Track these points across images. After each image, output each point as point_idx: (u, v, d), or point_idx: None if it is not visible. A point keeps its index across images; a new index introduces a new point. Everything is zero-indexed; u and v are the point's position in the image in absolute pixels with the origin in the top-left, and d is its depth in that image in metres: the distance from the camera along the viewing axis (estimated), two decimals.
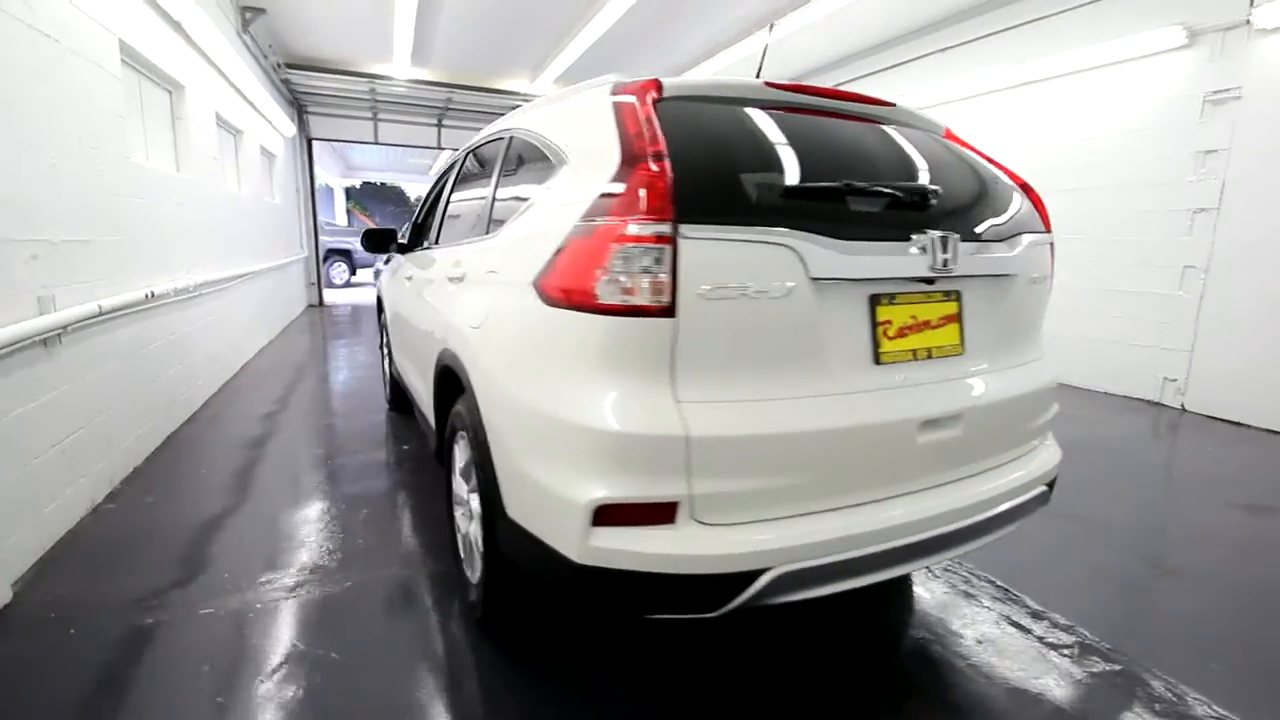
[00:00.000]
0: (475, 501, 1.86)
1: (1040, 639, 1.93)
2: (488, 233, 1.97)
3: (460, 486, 2.03)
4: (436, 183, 3.32)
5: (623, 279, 1.25)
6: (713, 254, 1.27)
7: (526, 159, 1.87)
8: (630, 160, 1.31)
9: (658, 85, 1.49)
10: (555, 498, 1.33)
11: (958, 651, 1.87)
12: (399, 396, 4.14)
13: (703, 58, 7.64)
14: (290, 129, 8.53)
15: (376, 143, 10.52)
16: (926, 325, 1.53)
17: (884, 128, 1.72)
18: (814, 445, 1.33)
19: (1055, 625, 2.00)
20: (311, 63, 7.82)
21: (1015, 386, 1.66)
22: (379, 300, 4.41)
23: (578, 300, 1.31)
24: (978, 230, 1.61)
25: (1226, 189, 4.35)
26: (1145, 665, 1.80)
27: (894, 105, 1.80)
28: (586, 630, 1.93)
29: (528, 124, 1.92)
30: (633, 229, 1.25)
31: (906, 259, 1.45)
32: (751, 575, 1.26)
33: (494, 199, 2.03)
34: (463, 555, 2.05)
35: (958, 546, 1.52)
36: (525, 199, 1.74)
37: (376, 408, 4.40)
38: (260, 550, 2.38)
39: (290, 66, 7.71)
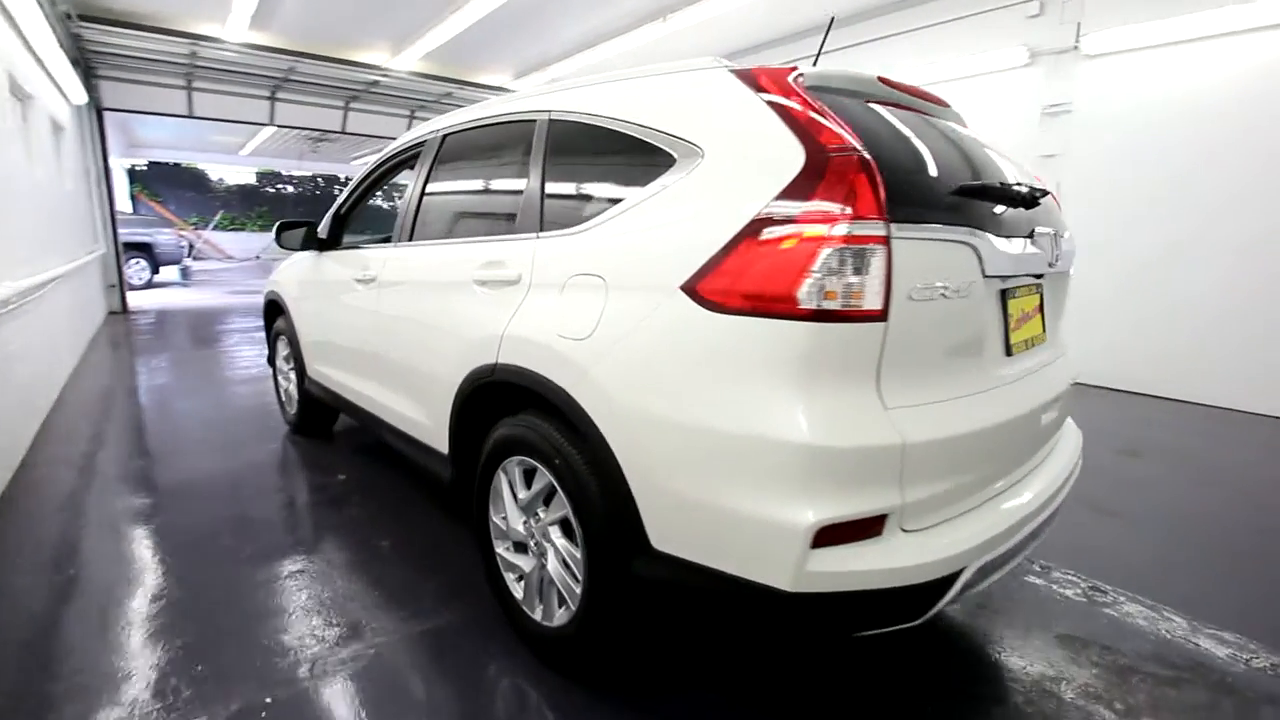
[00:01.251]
0: (558, 537, 1.64)
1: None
2: (542, 229, 1.72)
3: (513, 520, 1.78)
4: (378, 171, 2.87)
5: (834, 283, 1.15)
6: (916, 254, 1.22)
7: (600, 148, 1.66)
8: (823, 156, 1.20)
9: (798, 72, 1.39)
10: (753, 524, 1.20)
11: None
12: (314, 418, 3.55)
13: (584, 47, 7.46)
14: (81, 95, 6.90)
15: (191, 116, 8.91)
16: (1027, 317, 1.62)
17: (957, 126, 1.78)
18: (991, 438, 1.36)
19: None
20: (114, 15, 6.36)
21: (1071, 368, 1.84)
22: (271, 306, 3.74)
23: (772, 306, 1.19)
24: (1056, 226, 1.73)
25: (1061, 189, 5.18)
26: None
27: (949, 105, 1.87)
28: (670, 652, 1.80)
29: (590, 107, 1.70)
30: (846, 229, 1.15)
31: (1032, 254, 1.52)
32: (953, 576, 1.24)
33: (542, 191, 1.78)
34: (519, 596, 1.80)
35: (1053, 521, 1.64)
36: (618, 192, 1.54)
37: (269, 433, 3.73)
38: None
39: (84, 19, 6.20)
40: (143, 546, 2.38)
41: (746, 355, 1.22)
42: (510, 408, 1.81)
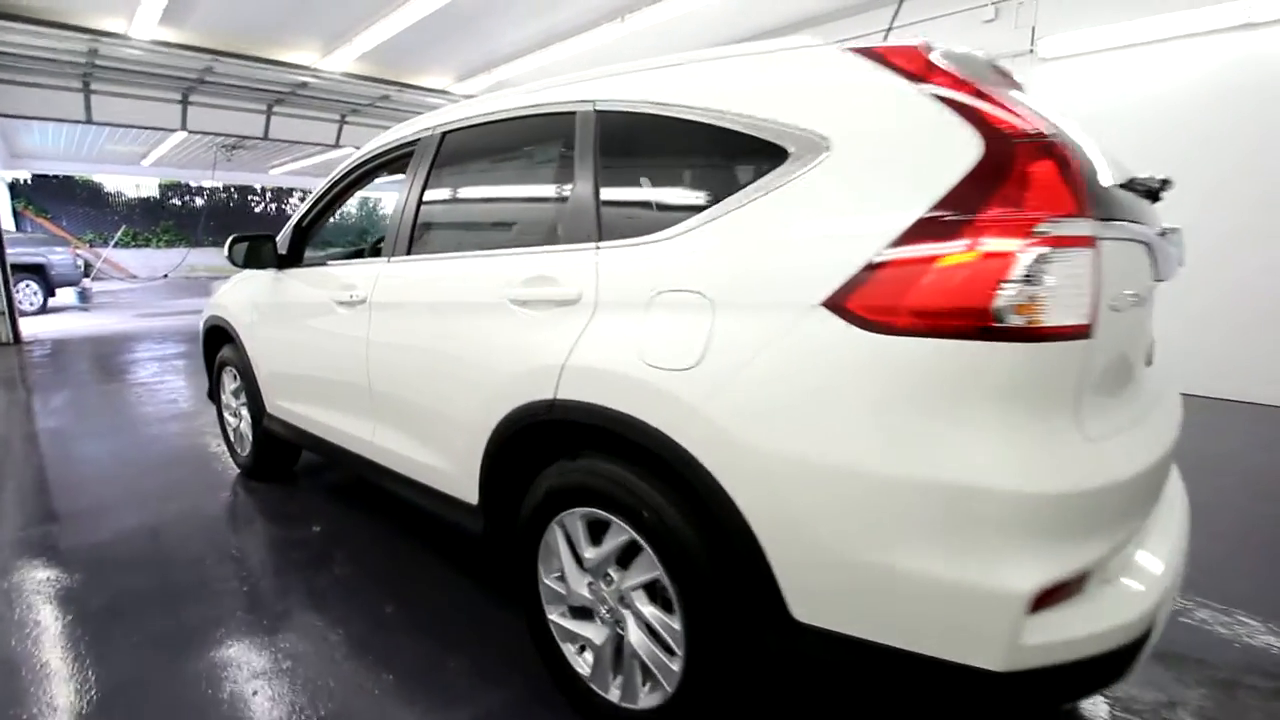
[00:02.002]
0: (643, 604, 1.37)
1: None
2: (601, 238, 1.45)
3: (574, 583, 1.50)
4: (350, 177, 2.50)
5: (1035, 294, 0.95)
6: (1113, 257, 1.04)
7: (678, 142, 1.40)
8: (1006, 145, 1.00)
9: (936, 49, 1.19)
10: (944, 590, 0.98)
11: None
12: (272, 459, 3.10)
13: (534, 49, 7.15)
14: None
15: (90, 122, 8.00)
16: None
17: None
18: (1164, 462, 1.20)
19: None
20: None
21: (1173, 373, 1.73)
22: (214, 333, 3.25)
23: (956, 324, 0.97)
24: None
25: None
26: None
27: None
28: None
29: (657, 96, 1.44)
30: (1048, 230, 0.95)
31: (1171, 252, 1.38)
32: (1149, 622, 1.07)
33: (597, 194, 1.51)
34: (584, 671, 1.51)
35: None
36: (709, 193, 1.30)
37: (216, 479, 3.24)
38: None
39: None
40: (52, 638, 1.93)
41: (925, 383, 1.00)
42: (563, 449, 1.53)
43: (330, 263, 2.50)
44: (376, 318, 2.05)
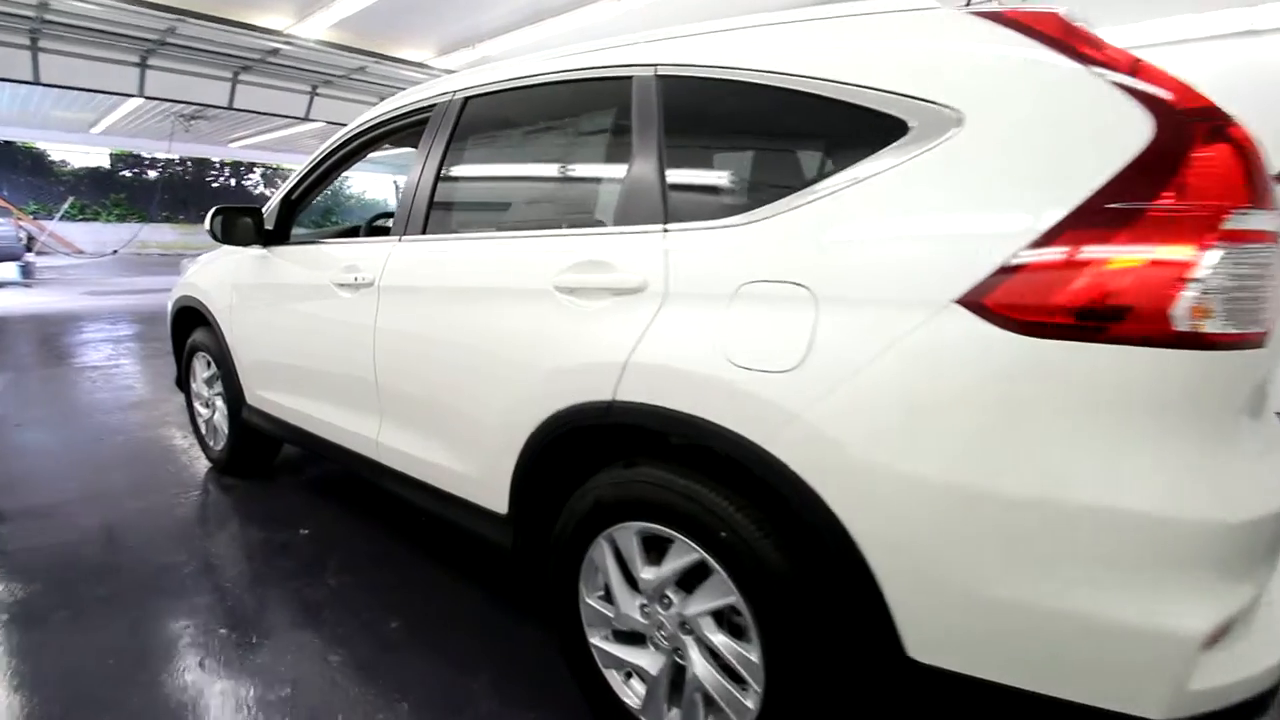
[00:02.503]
0: (712, 631, 1.22)
1: None
2: (668, 220, 1.29)
3: (623, 604, 1.34)
4: (348, 147, 2.26)
5: (1220, 296, 0.83)
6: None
7: (766, 113, 1.24)
8: (1183, 126, 0.87)
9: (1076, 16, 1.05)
10: (1100, 630, 0.86)
11: None
12: (251, 453, 2.85)
13: (521, 24, 6.87)
14: None
15: (37, 83, 7.41)
16: None
17: None
18: None
19: None
20: None
21: None
22: (184, 315, 2.97)
23: (1127, 329, 0.84)
24: None
25: None
26: None
27: None
28: None
29: (738, 60, 1.26)
30: (1235, 224, 0.83)
31: None
32: None
33: (662, 170, 1.33)
34: (634, 703, 1.36)
35: None
36: (807, 171, 1.15)
37: (186, 475, 2.98)
38: None
39: None
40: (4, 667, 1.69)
41: (1085, 395, 0.87)
42: (614, 456, 1.37)
43: (326, 241, 2.28)
44: (386, 303, 1.84)
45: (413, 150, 1.93)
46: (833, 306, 1.04)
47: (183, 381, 3.14)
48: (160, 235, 21.02)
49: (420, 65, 8.14)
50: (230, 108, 9.00)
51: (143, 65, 7.84)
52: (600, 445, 1.41)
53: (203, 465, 3.06)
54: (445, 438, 1.71)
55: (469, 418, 1.62)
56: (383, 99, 2.35)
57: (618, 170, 1.45)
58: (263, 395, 2.50)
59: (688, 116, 1.35)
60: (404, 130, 2.10)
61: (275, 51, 7.48)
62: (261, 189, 25.64)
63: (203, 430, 3.05)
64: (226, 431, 2.84)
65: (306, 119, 10.06)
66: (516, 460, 1.50)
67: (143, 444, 3.35)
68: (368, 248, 2.00)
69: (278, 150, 18.91)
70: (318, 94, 9.36)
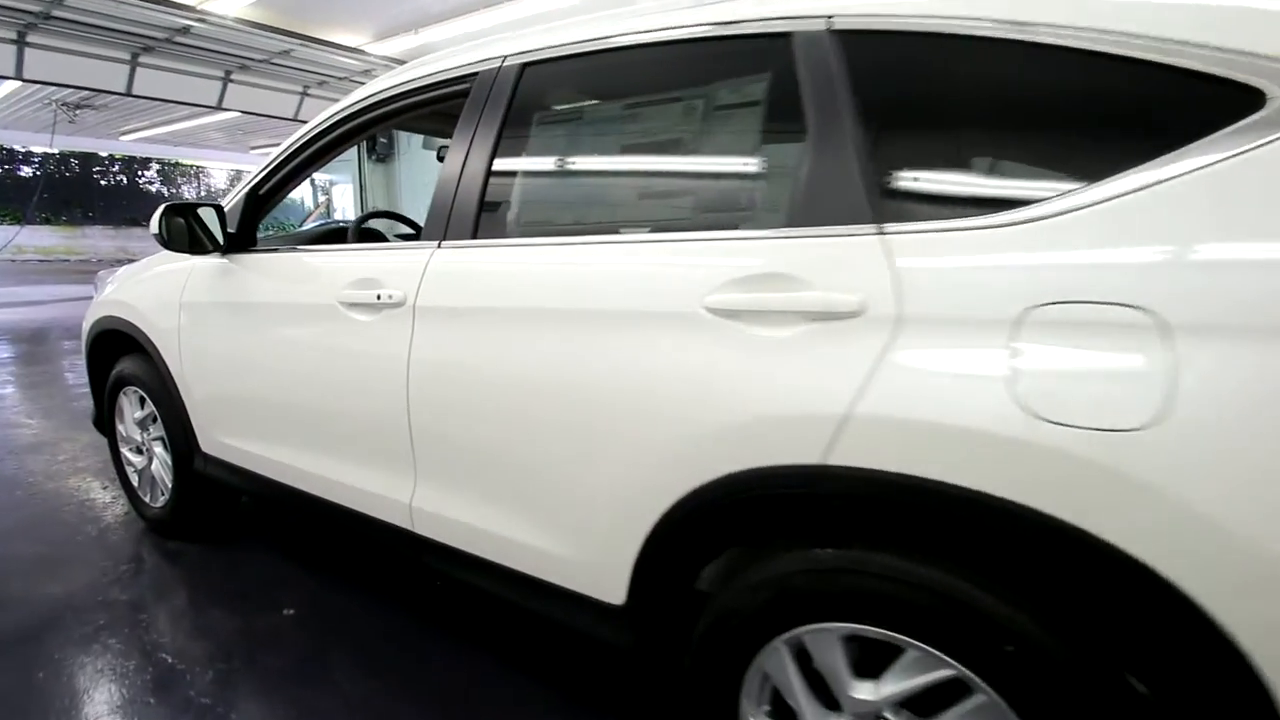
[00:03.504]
0: None
1: None
2: (883, 219, 0.95)
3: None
4: (340, 128, 1.79)
5: None
6: None
7: (1018, 78, 0.91)
8: None
9: None
10: None
11: None
12: (203, 511, 2.30)
13: (476, 8, 6.32)
14: None
15: None
16: None
17: None
18: None
19: None
20: None
21: None
22: (107, 339, 2.38)
23: None
24: None
25: None
26: None
27: None
28: None
29: (968, 8, 0.95)
30: None
31: None
32: None
33: (861, 153, 0.99)
34: None
35: None
36: (1111, 155, 0.83)
37: (108, 541, 2.39)
38: None
39: None
40: None
41: None
42: (796, 534, 1.03)
43: (315, 248, 1.80)
44: (425, 329, 1.40)
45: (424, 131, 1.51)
46: (1193, 338, 0.73)
47: (104, 422, 2.52)
48: (39, 239, 18.74)
49: (356, 51, 7.40)
50: (128, 94, 7.90)
51: (20, 42, 6.70)
52: (779, 520, 1.06)
53: (136, 526, 2.46)
54: (523, 505, 1.30)
55: (566, 481, 1.22)
56: (307, 88, 1.88)
57: (783, 154, 1.10)
58: (227, 442, 1.97)
59: (890, 82, 1.01)
60: (421, 108, 1.67)
61: (185, 30, 6.56)
62: (159, 187, 23.30)
63: (134, 482, 2.45)
64: (170, 484, 2.27)
65: (219, 108, 9.01)
66: (646, 537, 1.12)
67: (50, 500, 2.69)
68: (388, 257, 1.56)
69: (178, 144, 17.16)
70: (233, 80, 8.37)
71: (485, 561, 1.38)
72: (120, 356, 2.36)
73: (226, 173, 26.97)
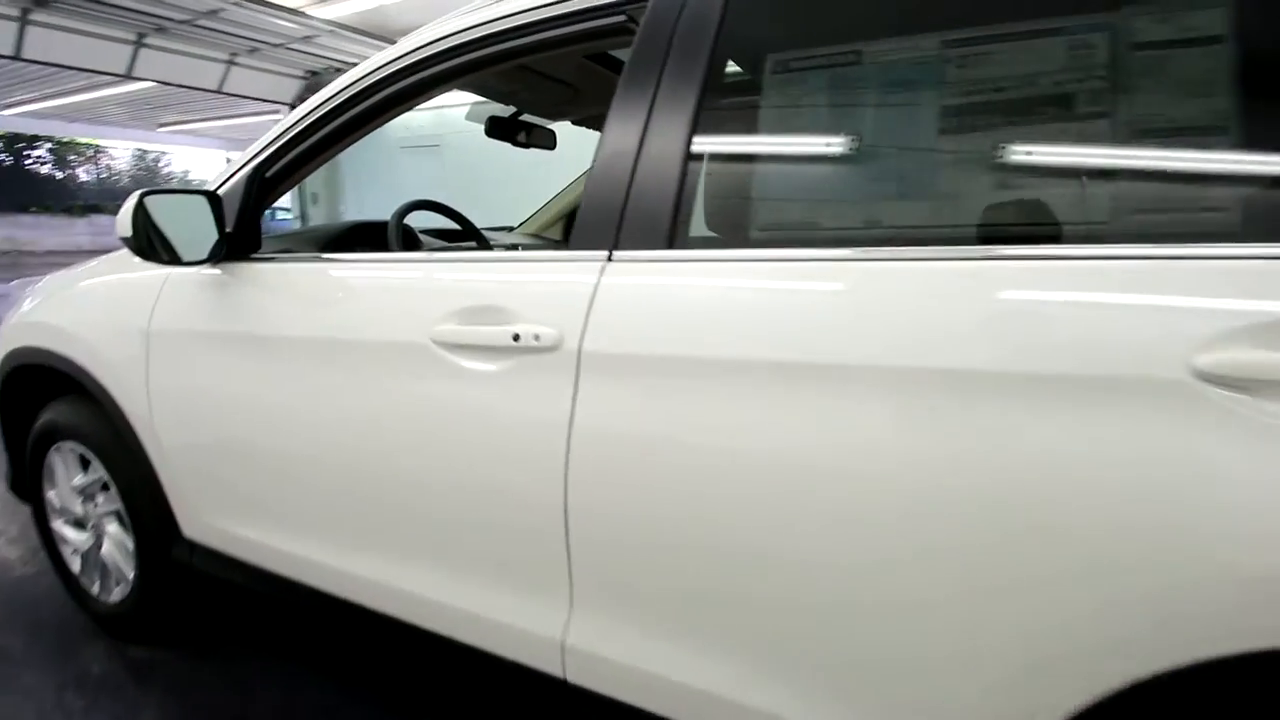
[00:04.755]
0: None
1: None
2: None
3: None
4: (384, 90, 1.22)
5: None
6: None
7: None
8: None
9: None
10: None
11: None
12: (177, 607, 1.70)
13: None
14: None
15: None
16: None
17: None
18: None
19: None
20: None
21: None
22: (26, 375, 1.73)
23: None
24: None
25: None
26: None
27: None
28: None
29: None
30: None
31: None
32: None
33: None
34: None
35: None
36: None
37: (47, 647, 1.75)
38: None
39: None
40: None
41: None
42: None
43: (368, 257, 1.26)
44: (600, 386, 0.90)
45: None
46: None
47: (26, 485, 1.86)
48: None
49: (294, 12, 6.51)
50: (16, 58, 6.70)
51: None
52: None
53: (76, 624, 1.83)
54: (824, 663, 0.83)
55: (913, 634, 0.76)
56: (235, 55, 1.32)
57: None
58: (231, 530, 1.40)
59: None
60: (529, 53, 1.14)
61: None
62: (50, 170, 20.79)
63: (76, 567, 1.81)
64: (133, 576, 1.66)
65: (128, 77, 7.83)
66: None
67: None
68: (513, 274, 1.04)
69: (72, 120, 15.25)
70: (146, 45, 7.24)
71: None
72: (49, 400, 1.72)
73: (131, 152, 24.40)
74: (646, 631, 0.94)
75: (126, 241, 1.22)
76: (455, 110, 6.04)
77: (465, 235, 1.93)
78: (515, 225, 2.70)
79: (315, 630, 1.80)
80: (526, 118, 2.02)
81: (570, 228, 2.72)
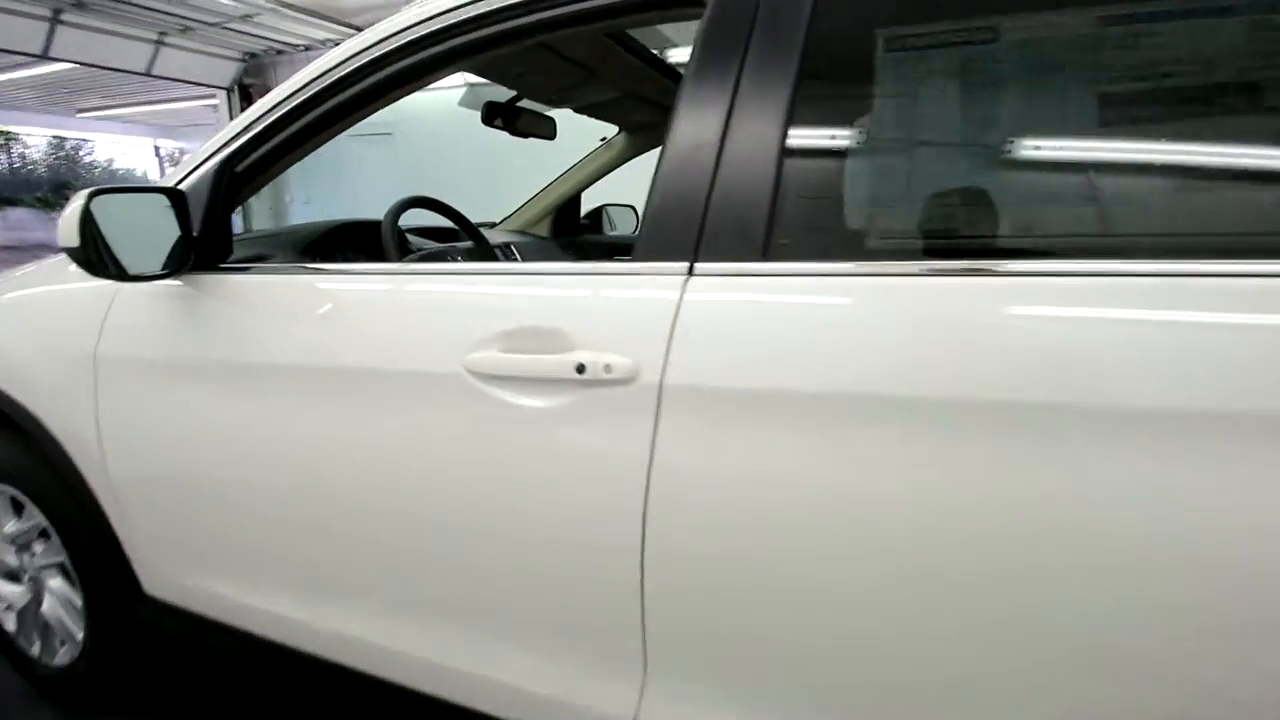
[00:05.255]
0: None
1: None
2: None
3: None
4: (389, 65, 1.04)
5: None
6: None
7: None
8: None
9: None
10: None
11: None
12: (131, 669, 1.48)
13: None
14: None
15: None
16: None
17: None
18: None
19: None
20: None
21: None
22: None
23: None
24: None
25: None
26: None
27: None
28: None
29: None
30: None
31: None
32: None
33: None
34: None
35: None
36: None
37: None
38: None
39: None
40: None
41: None
42: None
43: (371, 268, 1.07)
44: (688, 426, 0.76)
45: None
46: None
47: None
48: None
49: None
50: None
51: None
52: None
53: (9, 687, 1.57)
54: None
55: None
56: (165, 35, 1.13)
57: None
58: (204, 587, 1.19)
59: None
60: (567, 25, 0.97)
61: None
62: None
63: (9, 625, 1.55)
64: (82, 637, 1.43)
65: (44, 57, 7.12)
66: None
67: None
68: (568, 289, 0.87)
69: None
70: (63, 21, 6.58)
71: None
72: None
73: (46, 140, 22.55)
74: (747, 710, 0.79)
75: (72, 254, 0.99)
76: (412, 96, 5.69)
77: (459, 236, 1.74)
78: (496, 222, 2.51)
79: (296, 692, 1.59)
80: (525, 104, 1.83)
81: (559, 224, 2.55)
